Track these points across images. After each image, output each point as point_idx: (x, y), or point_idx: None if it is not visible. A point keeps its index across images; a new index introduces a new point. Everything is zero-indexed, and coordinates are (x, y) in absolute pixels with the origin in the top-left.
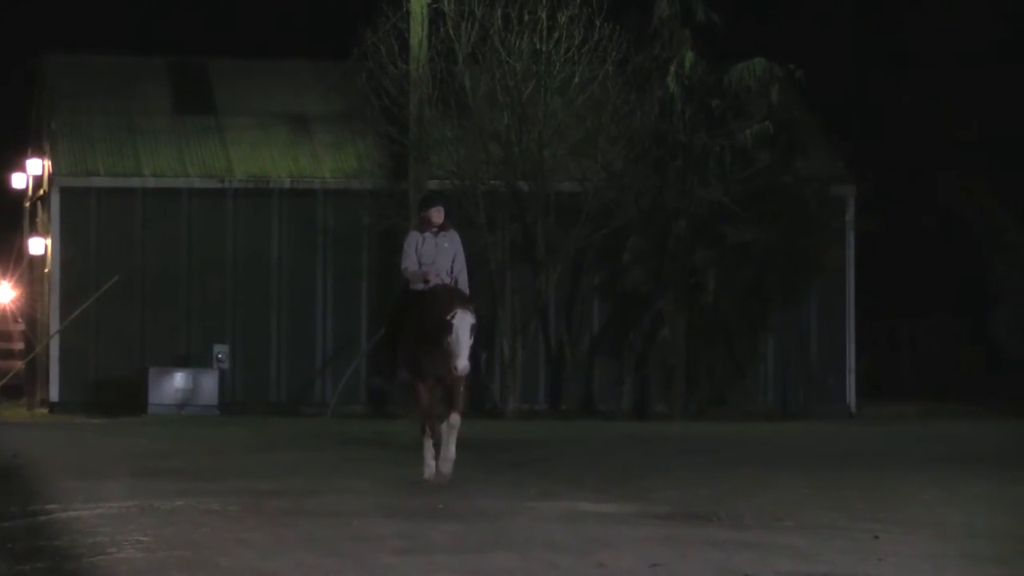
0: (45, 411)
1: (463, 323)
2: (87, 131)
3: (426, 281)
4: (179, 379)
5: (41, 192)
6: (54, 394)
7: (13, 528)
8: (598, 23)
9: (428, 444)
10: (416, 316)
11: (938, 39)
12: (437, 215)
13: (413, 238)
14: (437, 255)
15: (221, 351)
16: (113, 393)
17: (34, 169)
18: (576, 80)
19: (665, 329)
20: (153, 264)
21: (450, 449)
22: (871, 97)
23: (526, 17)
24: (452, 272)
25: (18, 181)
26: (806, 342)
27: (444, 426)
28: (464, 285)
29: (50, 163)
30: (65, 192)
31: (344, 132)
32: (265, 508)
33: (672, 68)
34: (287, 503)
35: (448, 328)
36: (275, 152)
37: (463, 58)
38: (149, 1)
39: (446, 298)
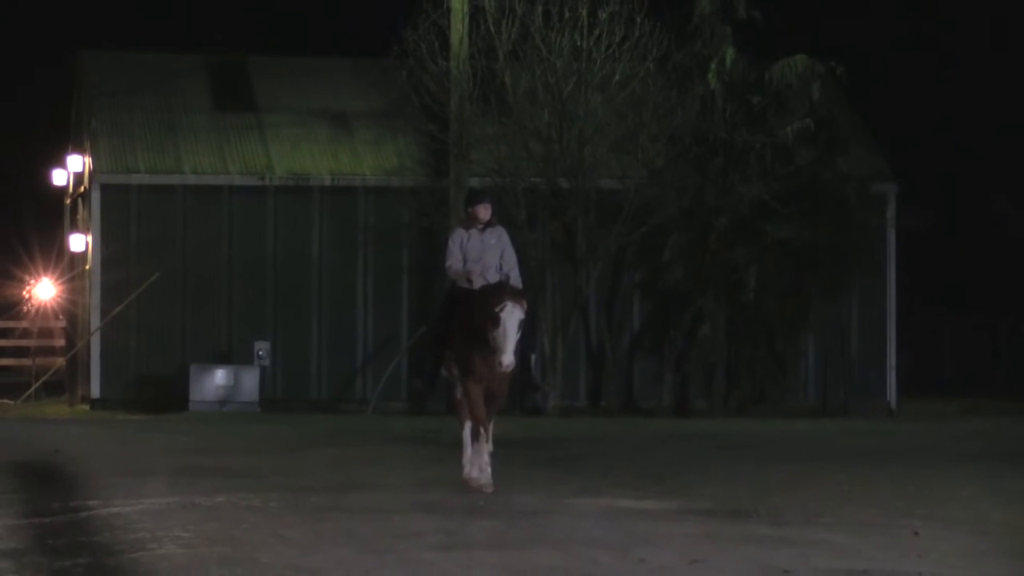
0: (86, 407)
1: (511, 317)
2: (127, 128)
3: (469, 281)
4: (220, 376)
5: (82, 189)
6: (95, 391)
7: (54, 524)
8: (639, 20)
9: (468, 442)
10: (465, 312)
11: (981, 35)
12: (484, 211)
13: (458, 235)
14: (483, 252)
15: (262, 348)
16: (154, 390)
17: (75, 166)
18: (617, 77)
19: (705, 326)
20: (193, 261)
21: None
22: (913, 94)
23: (567, 14)
24: (502, 269)
25: (59, 178)
26: (846, 339)
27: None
28: (517, 281)
29: (91, 160)
30: (106, 189)
31: (385, 129)
32: (305, 505)
33: (713, 65)
34: (327, 500)
35: (496, 321)
36: (315, 149)
37: (504, 55)
38: None
39: (496, 291)
